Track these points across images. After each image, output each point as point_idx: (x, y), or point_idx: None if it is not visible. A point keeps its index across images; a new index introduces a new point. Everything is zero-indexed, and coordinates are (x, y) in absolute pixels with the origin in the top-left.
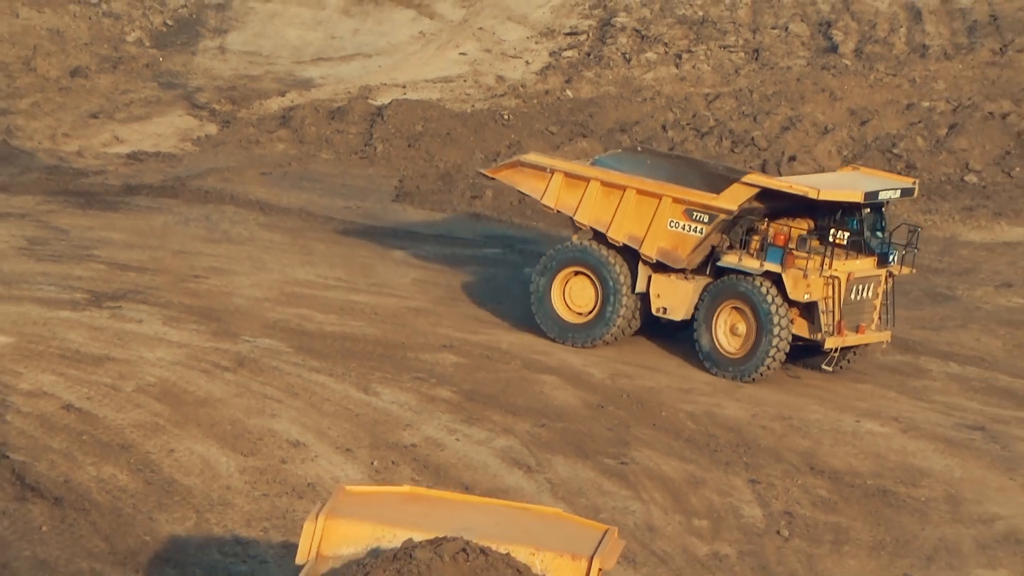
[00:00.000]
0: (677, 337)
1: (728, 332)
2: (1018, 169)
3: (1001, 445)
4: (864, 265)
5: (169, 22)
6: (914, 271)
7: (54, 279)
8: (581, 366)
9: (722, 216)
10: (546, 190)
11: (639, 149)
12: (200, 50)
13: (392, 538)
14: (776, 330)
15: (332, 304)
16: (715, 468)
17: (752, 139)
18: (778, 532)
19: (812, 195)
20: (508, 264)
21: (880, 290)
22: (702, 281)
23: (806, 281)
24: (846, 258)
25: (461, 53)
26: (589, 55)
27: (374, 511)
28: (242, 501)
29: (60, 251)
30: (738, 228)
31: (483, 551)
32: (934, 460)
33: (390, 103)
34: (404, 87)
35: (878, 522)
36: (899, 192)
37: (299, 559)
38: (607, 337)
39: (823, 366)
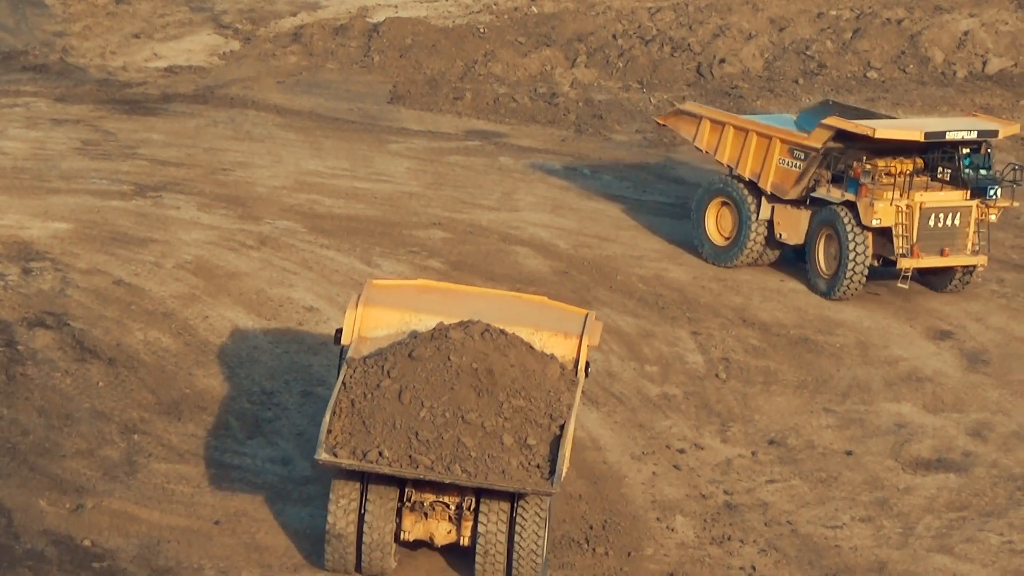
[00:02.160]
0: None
1: (823, 254)
2: (912, 66)
3: (903, 298)
4: (945, 197)
5: None
6: (1015, 204)
7: (105, 174)
8: (549, 239)
9: (812, 153)
10: (696, 134)
11: (830, 103)
12: None
13: (417, 322)
14: (852, 249)
15: (338, 190)
16: (663, 322)
17: (688, 45)
18: (717, 375)
19: (869, 133)
20: (486, 154)
21: (971, 220)
22: (810, 211)
23: (873, 208)
24: (926, 190)
25: None
26: None
27: (399, 300)
28: (266, 358)
29: (109, 150)
30: (838, 163)
31: (502, 331)
32: (847, 312)
33: (384, 20)
34: (396, 6)
35: (800, 365)
36: (975, 133)
37: (344, 340)
38: (742, 258)
39: (898, 283)
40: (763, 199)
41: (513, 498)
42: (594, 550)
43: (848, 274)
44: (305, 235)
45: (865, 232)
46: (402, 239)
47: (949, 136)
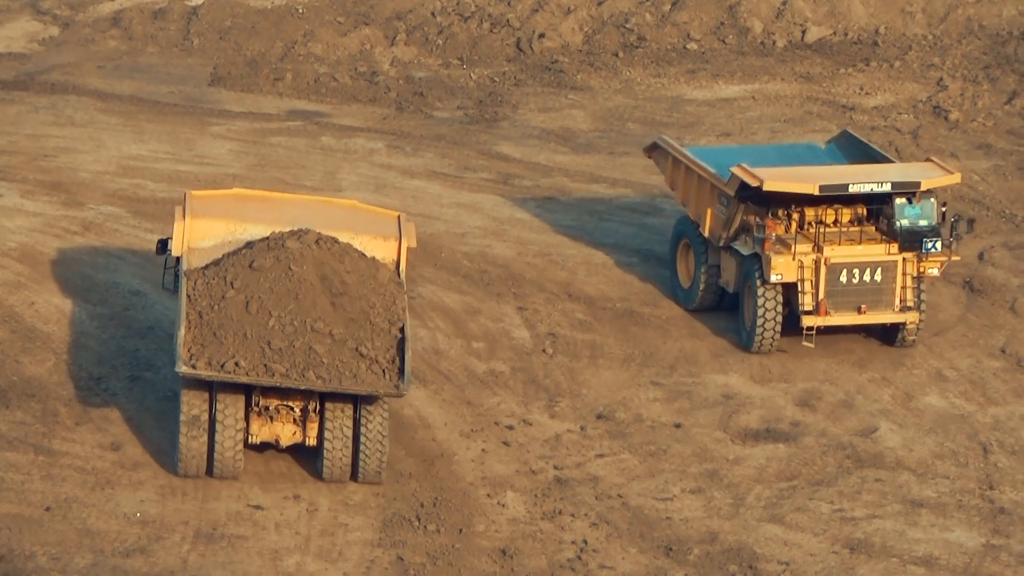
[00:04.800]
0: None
1: (748, 306)
2: (731, 37)
3: None
4: (863, 251)
5: None
6: (956, 258)
7: None
8: None
9: (732, 201)
10: (666, 170)
11: (847, 133)
12: None
13: (242, 231)
14: (761, 304)
15: (162, 174)
16: (489, 299)
17: (507, 20)
18: (544, 350)
19: (755, 184)
20: (308, 134)
21: (899, 274)
22: (737, 261)
23: (772, 264)
24: (840, 243)
25: None
26: None
27: (221, 210)
28: (94, 344)
29: None
30: (766, 212)
31: (333, 239)
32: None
33: (203, 3)
34: None
35: (627, 338)
36: (887, 185)
37: (175, 252)
38: (696, 303)
39: (803, 342)
40: (710, 245)
41: (356, 399)
42: (425, 527)
43: (759, 329)
44: (129, 220)
45: (774, 287)
46: None
47: (852, 189)
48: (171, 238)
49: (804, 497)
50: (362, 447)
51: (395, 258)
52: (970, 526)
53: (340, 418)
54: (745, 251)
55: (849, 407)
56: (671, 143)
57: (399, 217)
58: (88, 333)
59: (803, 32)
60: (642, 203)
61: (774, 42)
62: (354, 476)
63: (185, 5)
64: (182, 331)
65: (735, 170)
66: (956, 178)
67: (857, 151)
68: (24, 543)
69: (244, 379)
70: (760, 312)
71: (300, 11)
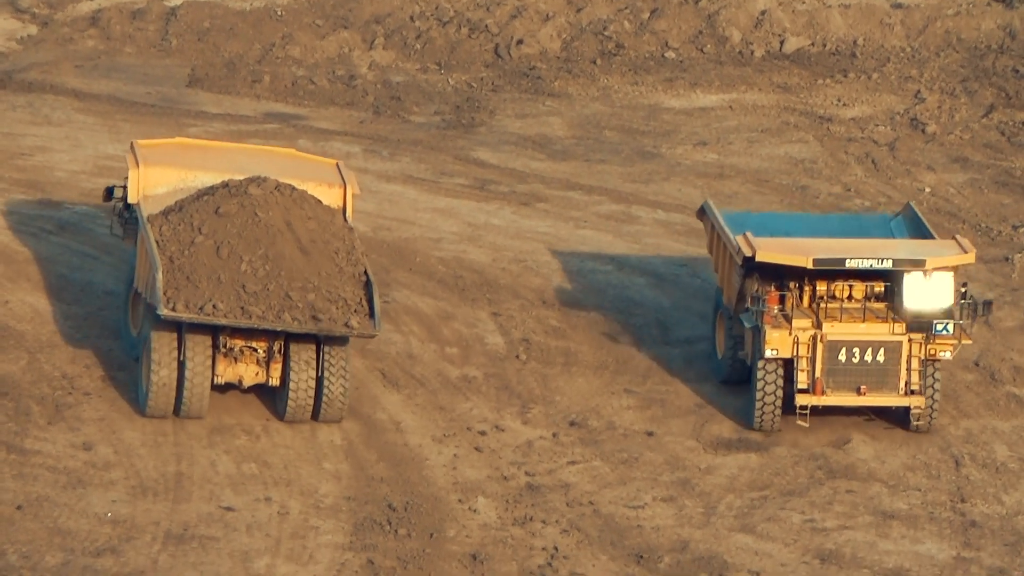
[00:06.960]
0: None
1: (752, 381)
2: (709, 46)
3: (701, 279)
4: (866, 329)
5: None
6: (967, 343)
7: None
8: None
9: (741, 270)
10: (707, 235)
11: (909, 207)
12: None
13: (193, 179)
14: (760, 376)
15: None
16: (463, 304)
17: (486, 26)
18: (517, 356)
19: (748, 253)
20: (285, 136)
21: (904, 356)
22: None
23: (766, 338)
24: (841, 319)
25: None
26: None
27: (170, 158)
28: (67, 343)
29: None
30: (773, 283)
31: (290, 186)
32: (646, 292)
33: (182, 4)
34: None
35: (601, 346)
36: (888, 262)
37: (131, 199)
38: (724, 375)
39: (797, 421)
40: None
41: (319, 341)
42: (396, 532)
43: (758, 404)
44: (105, 220)
45: (773, 362)
46: None
47: (850, 264)
48: (118, 186)
49: (775, 507)
50: (326, 386)
51: (341, 205)
52: (941, 538)
53: (305, 358)
54: (748, 324)
55: (822, 418)
56: (711, 207)
57: (338, 164)
58: (62, 332)
59: (781, 42)
60: (618, 211)
61: (752, 52)
62: (315, 416)
63: (163, 6)
64: (160, 275)
65: (738, 238)
66: (970, 258)
67: (914, 226)
68: None
69: (223, 321)
70: (759, 387)
71: (279, 13)
